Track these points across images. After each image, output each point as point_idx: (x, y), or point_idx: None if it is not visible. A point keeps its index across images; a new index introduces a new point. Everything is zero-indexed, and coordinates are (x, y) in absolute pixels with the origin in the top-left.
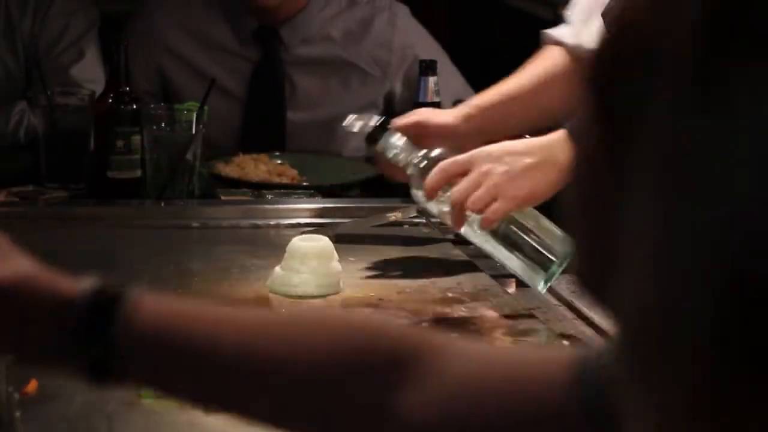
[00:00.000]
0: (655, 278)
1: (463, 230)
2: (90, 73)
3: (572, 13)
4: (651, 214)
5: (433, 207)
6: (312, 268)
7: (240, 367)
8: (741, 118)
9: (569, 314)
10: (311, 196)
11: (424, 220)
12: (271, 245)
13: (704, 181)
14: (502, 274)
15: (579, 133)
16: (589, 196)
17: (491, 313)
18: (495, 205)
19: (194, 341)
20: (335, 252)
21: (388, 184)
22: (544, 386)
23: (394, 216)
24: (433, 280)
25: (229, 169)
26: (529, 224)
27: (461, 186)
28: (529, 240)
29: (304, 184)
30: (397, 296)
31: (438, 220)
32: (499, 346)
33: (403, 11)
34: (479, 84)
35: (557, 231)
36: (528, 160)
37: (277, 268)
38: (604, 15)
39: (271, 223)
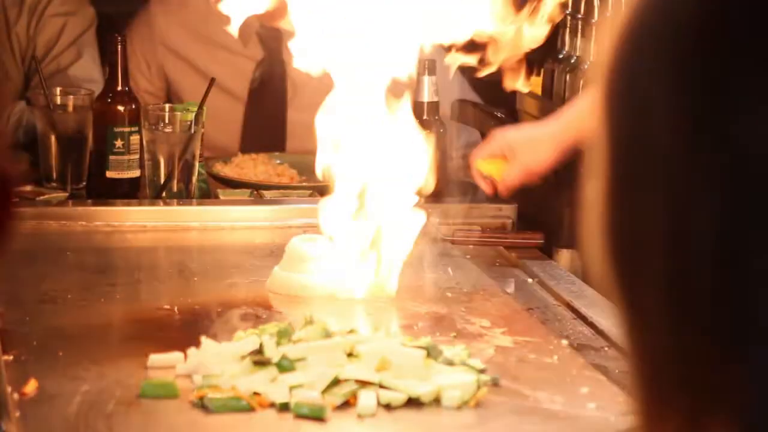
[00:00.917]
0: None
1: None
2: (88, 72)
3: None
4: None
5: None
6: (311, 268)
7: None
8: None
9: (568, 314)
10: (310, 196)
11: None
12: (270, 245)
13: None
14: (500, 275)
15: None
16: None
17: (490, 313)
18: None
19: None
20: (335, 251)
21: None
22: None
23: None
24: (432, 279)
25: (228, 169)
26: None
27: None
28: None
29: (303, 184)
30: (397, 295)
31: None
32: None
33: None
34: (482, 82)
35: None
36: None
37: (277, 268)
38: None
39: (270, 223)
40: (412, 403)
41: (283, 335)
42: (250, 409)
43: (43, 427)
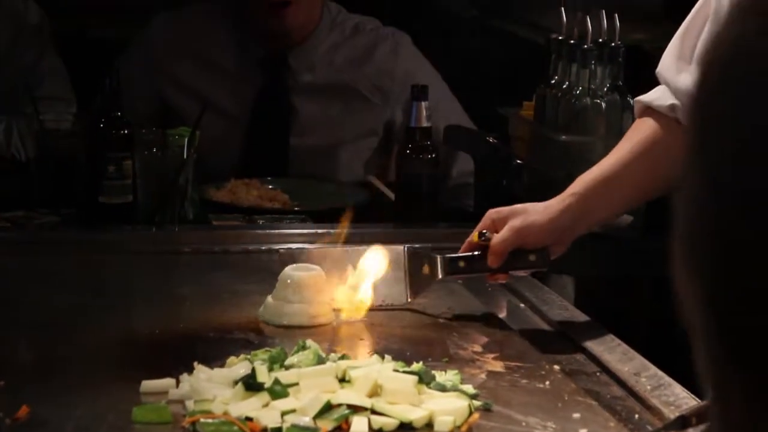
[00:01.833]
0: None
1: None
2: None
3: (661, 70)
4: None
5: None
6: (304, 298)
7: None
8: None
9: (560, 339)
10: (302, 221)
11: None
12: (263, 271)
13: None
14: (492, 300)
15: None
16: None
17: (482, 338)
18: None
19: None
20: (327, 281)
21: (379, 209)
22: None
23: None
24: (423, 304)
25: (220, 194)
26: None
27: None
28: None
29: (296, 209)
30: (388, 320)
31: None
32: None
33: (406, 40)
34: (475, 108)
35: None
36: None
37: (269, 298)
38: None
39: (263, 248)
40: (405, 428)
41: (276, 360)
42: None
43: None
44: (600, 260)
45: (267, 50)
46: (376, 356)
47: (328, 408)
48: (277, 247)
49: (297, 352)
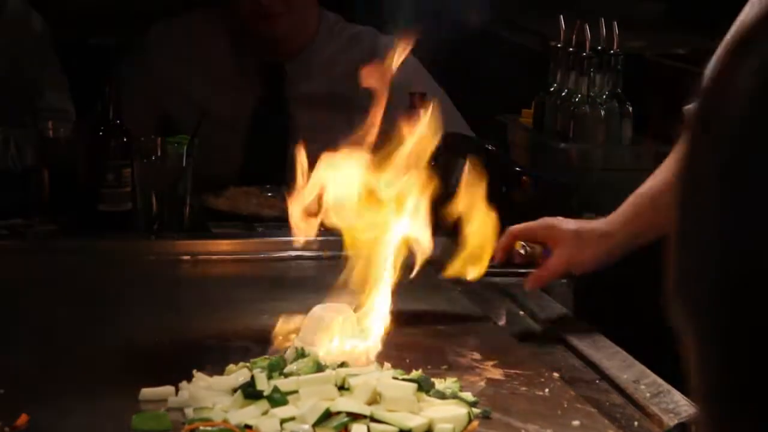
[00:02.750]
0: None
1: None
2: (56, 102)
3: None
4: None
5: None
6: (333, 341)
7: None
8: None
9: (559, 346)
10: None
11: None
12: (262, 278)
13: None
14: (491, 307)
15: None
16: None
17: (482, 346)
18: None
19: None
20: (356, 322)
21: None
22: None
23: None
24: (423, 311)
25: (220, 202)
26: None
27: None
28: None
29: None
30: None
31: None
32: None
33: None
34: (474, 116)
35: None
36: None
37: (296, 340)
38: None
39: (261, 255)
40: None
41: (275, 368)
42: None
43: None
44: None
45: (265, 60)
46: (375, 364)
47: (327, 416)
48: (275, 254)
49: (296, 360)
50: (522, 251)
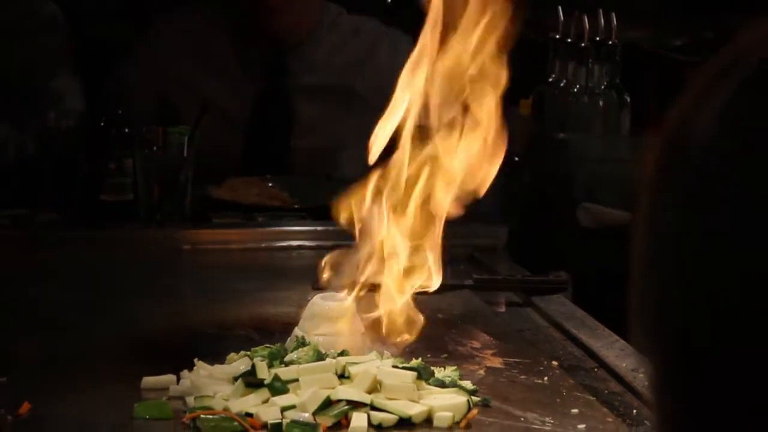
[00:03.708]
0: None
1: None
2: (65, 88)
3: None
4: None
5: None
6: (333, 330)
7: None
8: None
9: (558, 335)
10: (302, 218)
11: None
12: (263, 268)
13: None
14: (490, 296)
15: None
16: None
17: (481, 334)
18: None
19: None
20: (356, 312)
21: None
22: None
23: None
24: (423, 301)
25: (221, 192)
26: None
27: None
28: None
29: (295, 206)
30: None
31: None
32: None
33: (406, 41)
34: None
35: None
36: None
37: (297, 330)
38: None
39: (263, 245)
40: (404, 423)
41: (275, 357)
42: (242, 430)
43: None
44: (598, 256)
45: (267, 52)
46: (375, 352)
47: (327, 404)
48: (276, 244)
49: (296, 348)
50: None
